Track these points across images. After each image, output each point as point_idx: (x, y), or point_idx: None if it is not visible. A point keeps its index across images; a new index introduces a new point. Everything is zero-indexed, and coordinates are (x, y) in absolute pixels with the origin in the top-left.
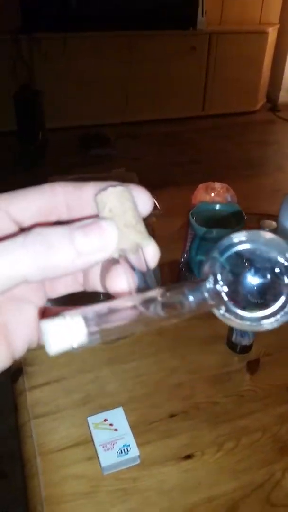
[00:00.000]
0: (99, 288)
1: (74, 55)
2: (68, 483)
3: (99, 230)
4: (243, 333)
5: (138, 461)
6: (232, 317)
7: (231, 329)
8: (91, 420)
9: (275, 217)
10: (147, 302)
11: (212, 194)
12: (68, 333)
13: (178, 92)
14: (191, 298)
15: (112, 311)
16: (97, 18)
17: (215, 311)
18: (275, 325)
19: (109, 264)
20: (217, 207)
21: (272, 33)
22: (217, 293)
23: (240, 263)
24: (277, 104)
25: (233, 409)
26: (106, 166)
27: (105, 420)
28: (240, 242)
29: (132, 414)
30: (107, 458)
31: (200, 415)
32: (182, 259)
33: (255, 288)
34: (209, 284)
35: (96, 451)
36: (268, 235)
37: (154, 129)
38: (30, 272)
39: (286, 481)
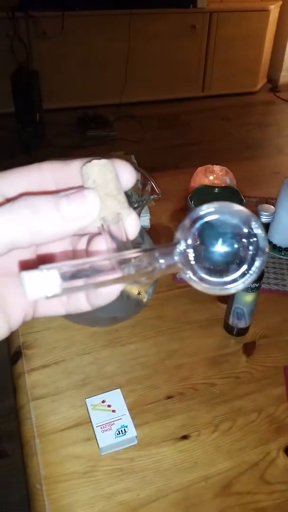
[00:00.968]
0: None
1: (72, 34)
2: (67, 463)
3: (82, 198)
4: (239, 316)
5: (135, 442)
6: (198, 281)
7: (228, 313)
8: (89, 401)
9: (274, 200)
10: (121, 262)
11: (211, 177)
12: (42, 283)
13: (177, 72)
14: (162, 261)
15: (87, 267)
16: None
17: (183, 275)
18: (238, 288)
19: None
20: (216, 190)
21: (274, 11)
22: (186, 257)
23: (209, 231)
24: (278, 85)
25: (229, 390)
26: (104, 147)
27: (103, 401)
28: (210, 213)
29: (130, 396)
30: (105, 438)
31: (197, 397)
32: None
33: (221, 255)
34: (179, 249)
35: (94, 432)
36: (236, 206)
37: (153, 110)
38: (17, 237)
39: (281, 459)
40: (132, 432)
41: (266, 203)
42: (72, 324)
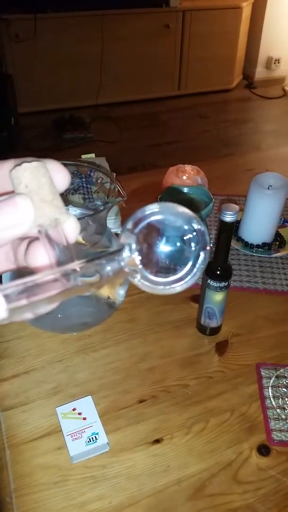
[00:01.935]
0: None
1: (45, 37)
2: (38, 473)
3: (13, 205)
4: (211, 316)
5: (107, 449)
6: (146, 283)
7: (200, 313)
8: (60, 410)
9: (244, 198)
10: (66, 274)
11: (184, 177)
12: None
13: (153, 72)
14: (108, 268)
15: (33, 285)
16: None
17: (131, 279)
18: (185, 286)
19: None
20: (185, 190)
21: (246, 8)
22: (132, 262)
23: (152, 232)
24: (254, 81)
25: (202, 391)
26: (81, 149)
27: (74, 409)
28: (152, 214)
29: (102, 402)
30: (76, 447)
31: (169, 399)
32: None
33: (166, 255)
34: (124, 254)
35: (65, 440)
36: (178, 207)
37: (130, 110)
38: None
39: (253, 459)
40: (103, 439)
41: (238, 201)
42: (43, 332)
